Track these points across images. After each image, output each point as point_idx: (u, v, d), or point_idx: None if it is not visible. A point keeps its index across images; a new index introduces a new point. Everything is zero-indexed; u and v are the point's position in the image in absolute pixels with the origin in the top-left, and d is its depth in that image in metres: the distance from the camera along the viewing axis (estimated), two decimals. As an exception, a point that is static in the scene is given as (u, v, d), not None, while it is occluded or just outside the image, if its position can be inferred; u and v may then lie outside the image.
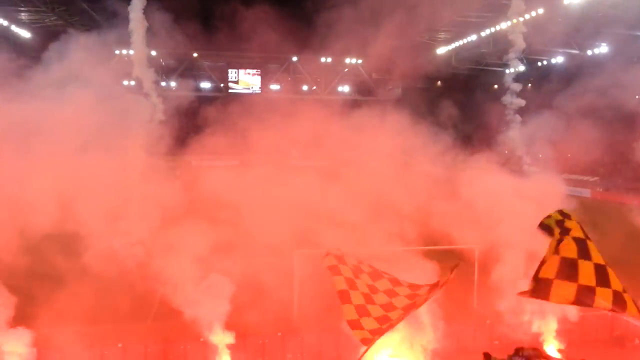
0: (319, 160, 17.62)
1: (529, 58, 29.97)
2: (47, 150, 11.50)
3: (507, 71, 19.56)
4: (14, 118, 11.34)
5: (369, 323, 8.52)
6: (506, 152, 18.75)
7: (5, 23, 37.95)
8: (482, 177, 14.03)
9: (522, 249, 13.21)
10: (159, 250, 11.64)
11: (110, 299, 13.18)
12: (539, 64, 42.79)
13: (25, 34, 40.14)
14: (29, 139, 11.61)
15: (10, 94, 11.57)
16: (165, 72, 47.96)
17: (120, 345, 12.32)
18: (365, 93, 52.54)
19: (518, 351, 5.94)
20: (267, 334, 12.74)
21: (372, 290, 9.13)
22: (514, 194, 13.82)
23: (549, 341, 12.95)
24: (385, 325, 8.57)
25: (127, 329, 12.94)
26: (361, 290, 8.98)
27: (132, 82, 14.70)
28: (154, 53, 14.74)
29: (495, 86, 19.15)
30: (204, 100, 36.76)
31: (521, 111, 18.99)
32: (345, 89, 55.16)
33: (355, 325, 8.54)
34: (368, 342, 8.36)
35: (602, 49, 36.17)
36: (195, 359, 11.56)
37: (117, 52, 14.25)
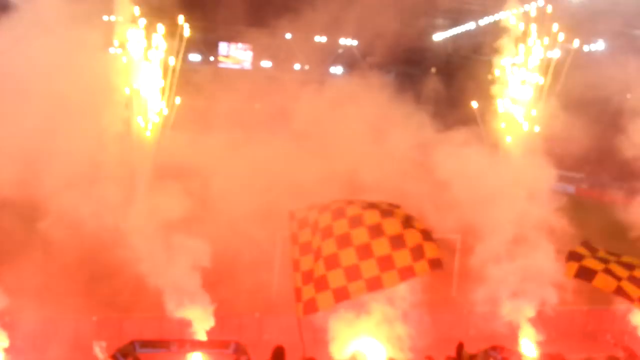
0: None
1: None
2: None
3: (502, 62, 19.42)
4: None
5: (307, 292, 7.60)
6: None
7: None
8: (461, 156, 13.74)
9: (505, 235, 13.30)
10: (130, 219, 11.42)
11: (81, 271, 12.97)
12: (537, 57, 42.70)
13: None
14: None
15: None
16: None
17: (94, 318, 12.23)
18: (358, 75, 52.18)
19: (495, 348, 5.84)
20: (244, 314, 12.71)
21: (341, 244, 7.73)
22: (498, 177, 13.80)
23: (525, 333, 13.09)
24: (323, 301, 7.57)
25: (100, 302, 12.75)
26: (313, 250, 7.83)
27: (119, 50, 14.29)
28: (143, 20, 14.29)
29: (490, 76, 19.06)
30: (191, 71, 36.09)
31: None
32: (338, 70, 54.69)
33: (298, 295, 7.70)
34: (308, 312, 7.66)
35: (599, 45, 36.17)
36: (169, 334, 11.43)
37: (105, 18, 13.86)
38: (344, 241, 7.76)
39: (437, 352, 9.56)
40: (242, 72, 49.69)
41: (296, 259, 8.01)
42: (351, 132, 14.89)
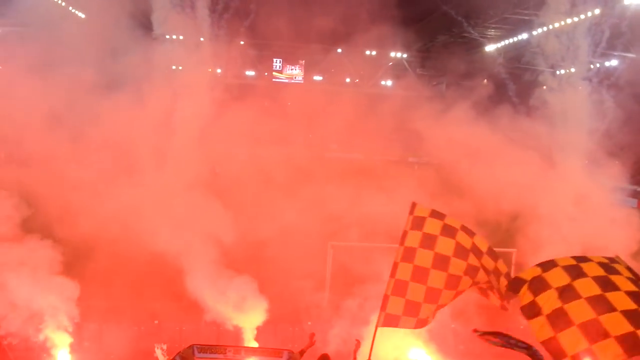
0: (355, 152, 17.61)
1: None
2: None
3: (558, 72, 18.94)
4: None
5: (394, 306, 7.32)
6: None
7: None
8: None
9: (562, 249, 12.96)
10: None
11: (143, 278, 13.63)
12: (592, 66, 41.20)
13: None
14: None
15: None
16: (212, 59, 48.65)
17: (156, 322, 12.78)
18: (409, 88, 52.01)
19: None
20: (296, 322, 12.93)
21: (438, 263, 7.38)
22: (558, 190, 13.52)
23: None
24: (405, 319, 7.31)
25: (161, 307, 13.31)
26: (416, 263, 7.39)
27: (180, 67, 15.01)
28: (202, 39, 14.98)
29: (545, 87, 18.46)
30: (248, 87, 37.21)
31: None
32: (388, 82, 54.68)
33: (384, 303, 7.44)
34: (387, 325, 7.42)
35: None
36: (225, 340, 11.79)
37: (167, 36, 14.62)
38: (453, 276, 7.46)
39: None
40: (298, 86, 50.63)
41: (396, 262, 7.59)
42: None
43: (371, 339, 7.68)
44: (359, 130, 19.64)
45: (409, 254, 7.50)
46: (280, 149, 19.70)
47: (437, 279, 7.33)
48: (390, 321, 7.44)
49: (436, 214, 7.77)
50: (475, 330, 6.81)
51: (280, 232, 12.86)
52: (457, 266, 7.41)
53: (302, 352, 7.76)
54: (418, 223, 7.65)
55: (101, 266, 12.72)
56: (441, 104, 16.71)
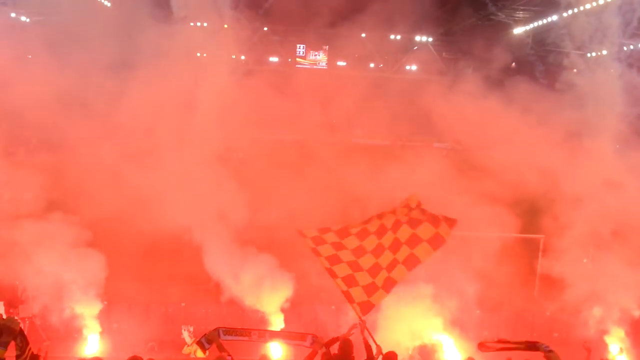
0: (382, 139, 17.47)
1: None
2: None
3: (589, 55, 18.35)
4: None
5: (358, 294, 8.37)
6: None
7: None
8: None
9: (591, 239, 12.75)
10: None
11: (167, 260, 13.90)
12: (624, 48, 39.77)
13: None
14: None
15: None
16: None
17: (183, 304, 13.04)
18: (435, 72, 51.20)
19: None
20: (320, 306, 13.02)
21: (358, 253, 8.88)
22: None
23: (613, 338, 12.44)
24: (374, 295, 8.39)
25: (188, 290, 13.56)
26: (346, 260, 8.77)
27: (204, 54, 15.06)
28: (225, 26, 14.93)
29: (575, 70, 17.79)
30: (271, 73, 37.17)
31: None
32: (413, 67, 53.95)
33: (348, 297, 8.44)
34: (365, 311, 8.27)
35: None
36: (250, 324, 11.97)
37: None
38: (377, 249, 8.85)
39: (517, 354, 9.33)
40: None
41: (329, 268, 8.71)
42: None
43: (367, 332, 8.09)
44: (383, 115, 19.46)
45: (333, 260, 8.76)
46: (302, 134, 19.71)
47: (366, 261, 8.72)
48: (366, 307, 8.31)
49: (322, 230, 9.22)
50: (482, 345, 7.28)
51: (301, 216, 12.91)
52: (372, 243, 8.92)
53: (334, 340, 7.80)
54: (319, 240, 9.05)
55: (128, 249, 12.98)
56: (467, 88, 16.38)
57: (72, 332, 12.00)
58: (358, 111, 19.35)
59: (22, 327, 6.12)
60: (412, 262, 8.53)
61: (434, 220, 8.83)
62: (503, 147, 14.41)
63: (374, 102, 19.90)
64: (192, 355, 7.77)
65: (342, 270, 8.66)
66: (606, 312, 12.50)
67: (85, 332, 11.99)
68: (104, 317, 12.19)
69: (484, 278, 12.49)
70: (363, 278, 8.53)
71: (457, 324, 12.09)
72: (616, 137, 15.15)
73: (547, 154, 14.19)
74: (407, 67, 54.11)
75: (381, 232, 9.10)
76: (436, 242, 8.57)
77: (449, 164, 16.28)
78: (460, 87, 16.56)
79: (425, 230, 8.70)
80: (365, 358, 7.61)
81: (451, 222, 8.83)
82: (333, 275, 8.65)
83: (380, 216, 9.39)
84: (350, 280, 8.52)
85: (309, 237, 9.14)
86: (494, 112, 15.01)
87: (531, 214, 14.69)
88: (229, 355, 7.27)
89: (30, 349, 5.99)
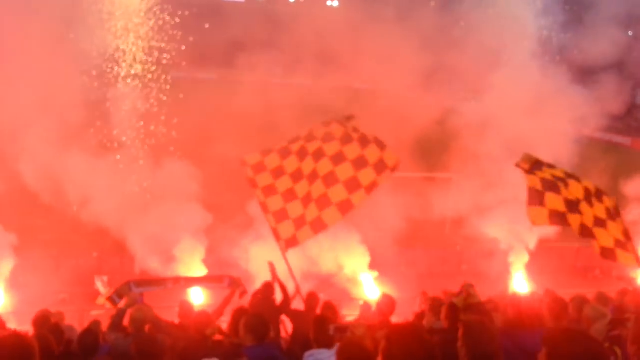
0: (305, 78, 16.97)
1: None
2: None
3: None
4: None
5: (285, 230, 8.10)
6: None
7: None
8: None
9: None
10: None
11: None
12: None
13: None
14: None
15: None
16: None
17: (95, 254, 12.49)
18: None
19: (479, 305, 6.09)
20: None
21: (295, 178, 8.30)
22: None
23: (517, 269, 13.41)
24: (301, 231, 8.06)
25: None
26: (281, 191, 8.32)
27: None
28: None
29: None
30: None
31: None
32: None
33: (275, 234, 8.19)
34: (289, 246, 8.11)
35: None
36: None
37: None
38: (312, 176, 8.24)
39: (431, 287, 9.81)
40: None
41: (262, 202, 8.37)
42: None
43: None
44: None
45: (268, 191, 8.37)
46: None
47: (301, 188, 8.21)
48: (291, 243, 8.10)
49: (265, 152, 8.68)
50: None
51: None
52: (308, 167, 8.33)
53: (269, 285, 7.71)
54: (259, 168, 8.58)
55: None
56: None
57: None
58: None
59: None
60: (346, 208, 8.03)
61: (380, 165, 8.12)
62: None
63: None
64: (108, 306, 7.43)
65: (275, 203, 8.31)
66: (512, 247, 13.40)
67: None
68: (13, 269, 11.48)
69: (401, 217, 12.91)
70: (295, 209, 8.17)
71: (377, 261, 12.55)
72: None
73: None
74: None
75: (319, 155, 8.37)
76: (371, 188, 8.11)
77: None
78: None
79: (365, 176, 8.08)
80: (283, 299, 7.67)
81: (395, 168, 8.14)
82: (265, 210, 8.35)
83: (317, 133, 8.61)
84: (280, 215, 8.20)
85: (250, 164, 8.63)
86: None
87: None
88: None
89: None
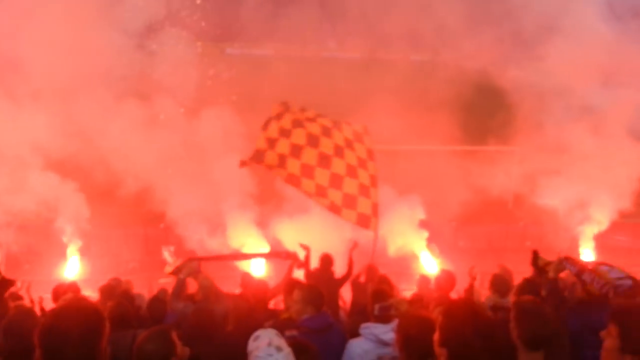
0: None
1: None
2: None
3: None
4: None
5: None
6: None
7: None
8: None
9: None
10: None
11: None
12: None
13: None
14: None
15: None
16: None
17: (162, 225, 12.97)
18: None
19: (567, 259, 5.42)
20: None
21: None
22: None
23: (586, 246, 12.85)
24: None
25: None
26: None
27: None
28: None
29: None
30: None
31: None
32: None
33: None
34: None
35: None
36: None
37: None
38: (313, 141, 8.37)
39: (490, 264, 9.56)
40: None
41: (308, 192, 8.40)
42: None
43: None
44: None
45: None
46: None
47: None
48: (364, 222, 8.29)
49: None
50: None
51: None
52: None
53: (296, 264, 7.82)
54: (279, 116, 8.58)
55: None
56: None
57: (52, 256, 12.01)
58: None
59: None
60: (333, 209, 8.37)
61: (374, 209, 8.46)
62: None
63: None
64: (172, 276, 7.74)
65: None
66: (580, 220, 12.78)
67: (68, 253, 12.01)
68: (85, 240, 12.19)
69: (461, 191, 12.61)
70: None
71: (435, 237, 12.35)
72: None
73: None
74: None
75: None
76: (362, 221, 8.46)
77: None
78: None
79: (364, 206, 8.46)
80: (346, 273, 7.76)
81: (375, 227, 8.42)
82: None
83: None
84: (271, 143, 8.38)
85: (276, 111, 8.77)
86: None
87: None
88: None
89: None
